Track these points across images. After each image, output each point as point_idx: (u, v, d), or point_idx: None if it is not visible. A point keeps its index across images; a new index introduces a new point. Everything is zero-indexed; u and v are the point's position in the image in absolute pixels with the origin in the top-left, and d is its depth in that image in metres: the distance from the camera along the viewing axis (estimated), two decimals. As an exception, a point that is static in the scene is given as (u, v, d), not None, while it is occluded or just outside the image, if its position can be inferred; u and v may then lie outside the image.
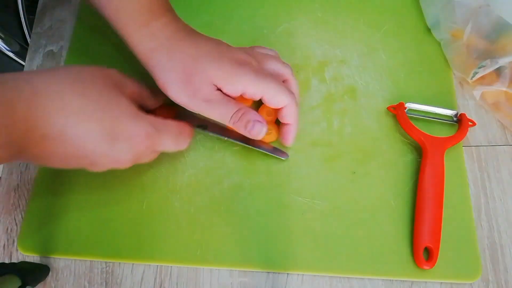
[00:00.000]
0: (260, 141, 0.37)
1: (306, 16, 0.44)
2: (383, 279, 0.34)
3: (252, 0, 0.44)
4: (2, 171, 0.38)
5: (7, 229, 0.36)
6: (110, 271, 0.35)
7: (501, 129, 0.40)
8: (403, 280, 0.34)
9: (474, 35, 0.40)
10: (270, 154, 0.37)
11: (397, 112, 0.39)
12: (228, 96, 0.32)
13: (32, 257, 0.35)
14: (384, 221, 0.35)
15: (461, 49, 0.40)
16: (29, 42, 0.43)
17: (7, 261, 0.35)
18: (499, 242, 0.35)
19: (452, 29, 0.41)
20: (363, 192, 0.36)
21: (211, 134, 0.37)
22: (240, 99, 0.34)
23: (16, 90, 0.25)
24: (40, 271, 0.34)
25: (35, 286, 0.33)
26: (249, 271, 0.34)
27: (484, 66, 0.39)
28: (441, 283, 0.34)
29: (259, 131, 0.33)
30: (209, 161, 0.38)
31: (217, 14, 0.44)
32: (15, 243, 0.35)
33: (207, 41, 0.33)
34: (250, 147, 0.37)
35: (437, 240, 0.34)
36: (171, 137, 0.32)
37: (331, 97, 0.40)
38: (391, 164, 0.38)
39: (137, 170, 0.37)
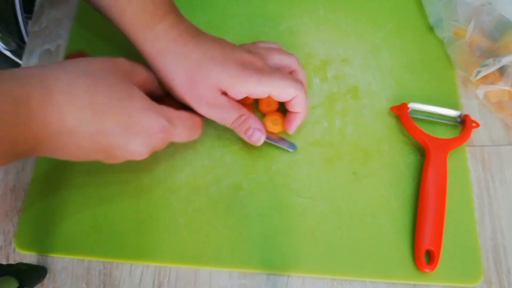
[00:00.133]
0: (267, 131, 0.36)
1: (309, 15, 0.44)
2: (385, 282, 0.34)
3: (253, -2, 0.44)
4: (-1, 171, 0.38)
5: (4, 230, 0.36)
6: (108, 272, 0.34)
7: (504, 129, 0.39)
8: (406, 283, 0.34)
9: (477, 33, 0.40)
10: (277, 145, 0.37)
11: (400, 113, 0.38)
12: (233, 98, 0.33)
13: (30, 257, 0.35)
14: (385, 223, 0.35)
15: (463, 48, 0.40)
16: (26, 40, 0.42)
17: (4, 263, 0.35)
18: (502, 243, 0.35)
19: (454, 27, 0.41)
20: (364, 193, 0.36)
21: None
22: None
23: (29, 87, 0.25)
24: (38, 272, 0.33)
25: (32, 287, 0.33)
26: (248, 272, 0.34)
27: (487, 65, 0.38)
28: (444, 286, 0.34)
29: (258, 138, 0.34)
30: (208, 160, 0.37)
31: (219, 12, 0.44)
32: (12, 245, 0.35)
33: (211, 43, 0.32)
34: None
35: (438, 243, 0.34)
36: (184, 129, 0.32)
37: (333, 96, 0.40)
38: (393, 165, 0.37)
39: (135, 169, 0.37)
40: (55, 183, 0.36)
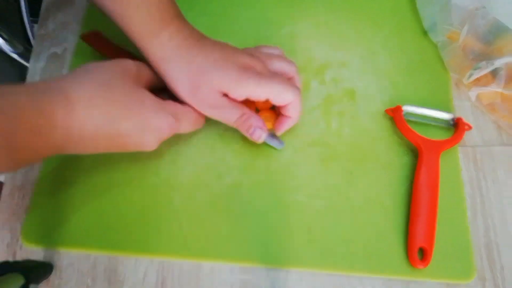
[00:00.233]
0: None
1: (309, 19, 0.45)
2: (382, 278, 0.35)
3: (255, 3, 0.45)
4: (6, 170, 0.39)
5: (11, 228, 0.36)
6: (113, 268, 0.35)
7: (496, 130, 0.40)
8: (401, 280, 0.35)
9: (470, 37, 0.40)
10: (266, 142, 0.38)
11: (394, 115, 0.39)
12: (234, 99, 0.34)
13: (36, 253, 0.35)
14: (379, 221, 0.36)
15: (457, 51, 0.41)
16: (32, 44, 0.43)
17: (11, 260, 0.35)
18: (495, 240, 0.36)
19: (448, 31, 0.42)
20: (359, 192, 0.37)
21: None
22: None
23: (53, 101, 0.28)
24: (44, 269, 0.34)
25: (38, 284, 0.34)
26: (249, 268, 0.35)
27: (480, 68, 0.39)
28: (437, 283, 0.35)
29: (259, 136, 0.35)
30: (210, 158, 0.38)
31: (220, 16, 0.44)
32: (19, 242, 0.36)
33: (213, 47, 0.34)
34: None
35: (431, 240, 0.34)
36: (189, 123, 0.35)
37: (330, 99, 0.41)
38: (387, 165, 0.38)
39: (140, 167, 0.38)
40: (61, 180, 0.37)
